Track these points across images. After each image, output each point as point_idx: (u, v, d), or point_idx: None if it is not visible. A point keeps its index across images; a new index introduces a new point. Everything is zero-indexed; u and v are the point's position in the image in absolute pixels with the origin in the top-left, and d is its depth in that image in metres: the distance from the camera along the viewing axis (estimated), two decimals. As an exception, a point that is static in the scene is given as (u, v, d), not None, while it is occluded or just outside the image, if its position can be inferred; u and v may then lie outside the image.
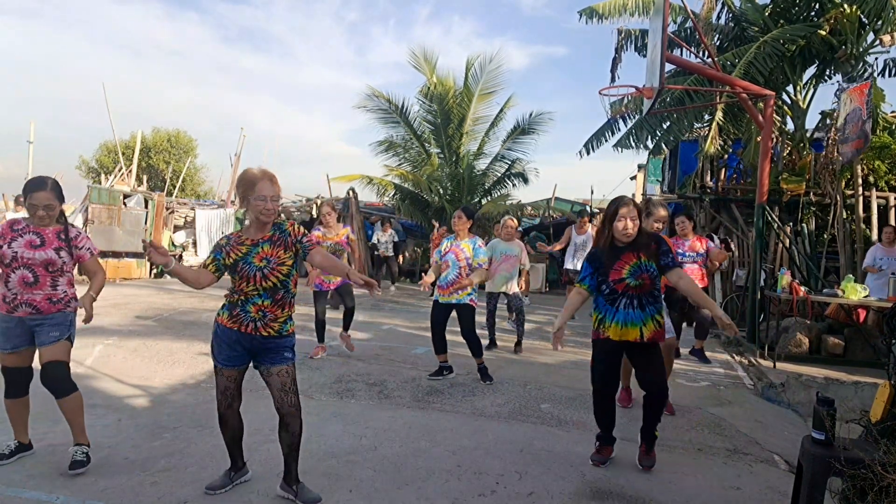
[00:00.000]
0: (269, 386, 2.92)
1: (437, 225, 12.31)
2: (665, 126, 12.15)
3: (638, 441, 3.60)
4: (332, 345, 6.54)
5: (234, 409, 2.99)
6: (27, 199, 3.14)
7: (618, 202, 3.44)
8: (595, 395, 3.57)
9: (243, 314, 2.85)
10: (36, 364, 3.26)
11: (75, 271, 3.44)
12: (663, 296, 4.78)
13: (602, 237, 3.49)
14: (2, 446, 3.28)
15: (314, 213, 15.91)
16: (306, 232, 3.04)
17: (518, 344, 6.87)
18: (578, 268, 8.99)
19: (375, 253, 13.44)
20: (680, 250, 6.01)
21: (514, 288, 6.76)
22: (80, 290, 3.31)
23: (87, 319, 3.25)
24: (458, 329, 5.39)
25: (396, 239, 13.70)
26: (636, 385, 4.75)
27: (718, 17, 12.05)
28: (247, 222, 2.99)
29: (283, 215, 15.14)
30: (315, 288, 6.05)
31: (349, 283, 6.07)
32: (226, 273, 2.93)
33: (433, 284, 5.44)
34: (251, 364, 2.97)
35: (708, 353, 6.81)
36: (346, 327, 6.22)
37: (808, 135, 11.46)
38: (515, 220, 7.09)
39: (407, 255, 16.52)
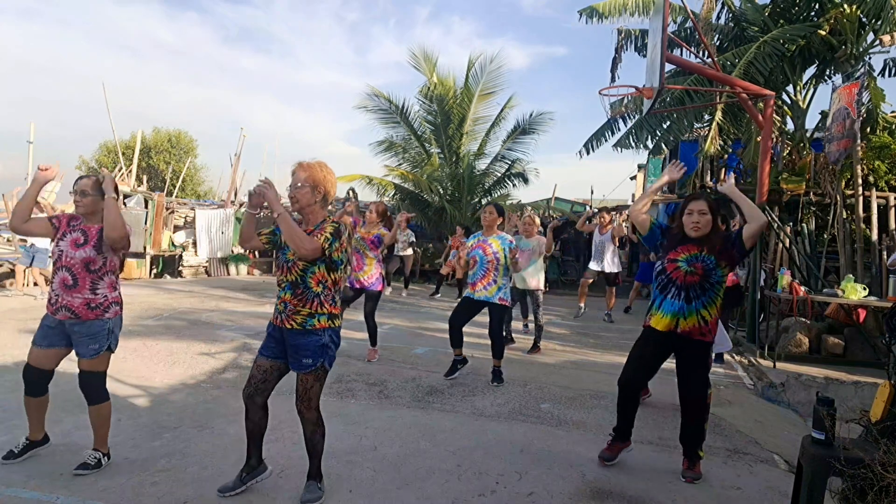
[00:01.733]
0: None
1: (459, 231, 11.20)
2: (665, 126, 12.16)
3: (641, 442, 3.58)
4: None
5: (256, 402, 2.96)
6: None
7: (691, 196, 3.48)
8: (620, 381, 3.52)
9: (277, 305, 2.95)
10: (68, 366, 3.24)
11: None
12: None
13: (675, 224, 3.50)
14: (12, 444, 3.27)
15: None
16: (336, 227, 2.89)
17: (536, 345, 6.85)
18: (599, 269, 9.00)
19: (395, 254, 12.64)
20: None
21: (532, 283, 6.66)
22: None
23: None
24: (466, 329, 5.40)
25: (413, 239, 12.65)
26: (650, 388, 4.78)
27: (718, 17, 12.09)
28: None
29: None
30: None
31: (377, 290, 5.99)
32: (272, 253, 3.05)
33: (457, 277, 5.40)
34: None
35: (708, 353, 6.83)
36: (373, 342, 6.10)
37: (808, 135, 11.47)
38: (537, 217, 7.07)
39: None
